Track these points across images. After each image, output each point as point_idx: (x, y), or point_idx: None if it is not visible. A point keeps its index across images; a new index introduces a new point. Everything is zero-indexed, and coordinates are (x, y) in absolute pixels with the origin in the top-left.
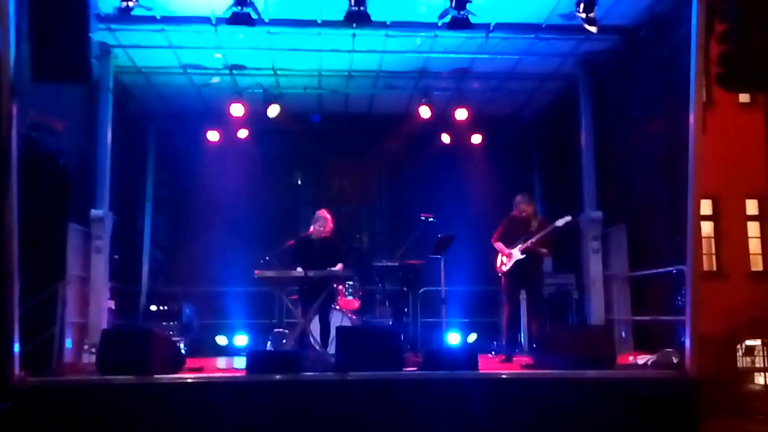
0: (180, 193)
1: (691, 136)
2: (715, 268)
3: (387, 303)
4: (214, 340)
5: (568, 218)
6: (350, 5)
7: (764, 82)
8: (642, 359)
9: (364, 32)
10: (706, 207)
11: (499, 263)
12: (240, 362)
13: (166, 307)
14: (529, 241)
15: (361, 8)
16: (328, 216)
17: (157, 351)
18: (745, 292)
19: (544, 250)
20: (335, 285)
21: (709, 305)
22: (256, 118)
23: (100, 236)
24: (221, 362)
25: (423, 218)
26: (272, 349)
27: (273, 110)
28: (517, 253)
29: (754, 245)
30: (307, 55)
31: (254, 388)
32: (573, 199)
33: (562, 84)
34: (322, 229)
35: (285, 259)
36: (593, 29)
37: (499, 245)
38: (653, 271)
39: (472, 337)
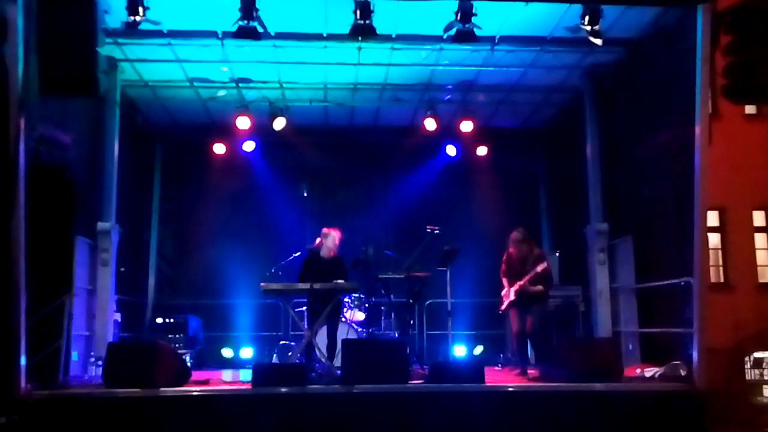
0: (186, 205)
1: (697, 147)
2: (722, 280)
3: (393, 315)
4: (220, 353)
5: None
6: (356, 19)
7: None
8: (649, 372)
9: (370, 45)
10: (712, 218)
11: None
12: (246, 375)
13: (172, 320)
14: (517, 284)
15: (367, 21)
16: (336, 233)
17: (162, 364)
18: (753, 304)
19: (539, 288)
20: (341, 297)
21: (717, 317)
22: (262, 131)
23: (106, 249)
24: (227, 375)
25: (429, 230)
26: (278, 362)
27: (279, 123)
28: (513, 295)
29: (762, 257)
30: (313, 68)
31: (260, 401)
32: (579, 210)
33: (568, 96)
34: (331, 246)
35: (292, 272)
36: (598, 42)
37: (504, 282)
38: (660, 283)
39: (479, 350)
